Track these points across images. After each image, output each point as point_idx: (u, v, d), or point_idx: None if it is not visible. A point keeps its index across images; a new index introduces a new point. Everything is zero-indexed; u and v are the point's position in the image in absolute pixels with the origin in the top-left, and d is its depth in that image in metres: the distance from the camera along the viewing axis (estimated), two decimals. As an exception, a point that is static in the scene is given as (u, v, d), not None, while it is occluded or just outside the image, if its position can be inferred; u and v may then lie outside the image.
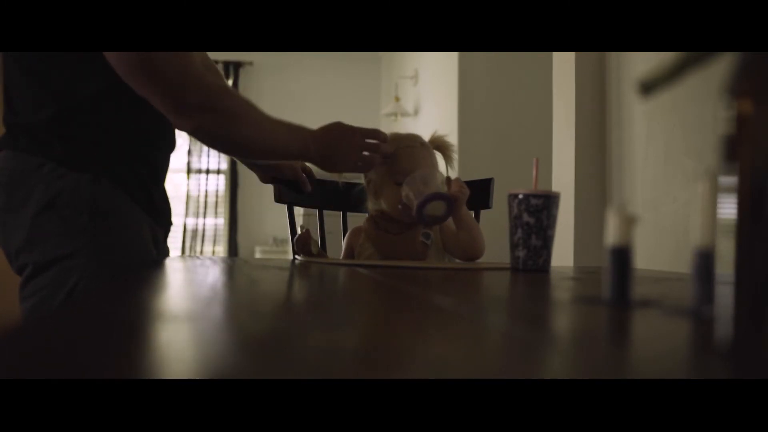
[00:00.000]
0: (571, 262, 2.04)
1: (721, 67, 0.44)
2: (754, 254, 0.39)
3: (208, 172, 5.67)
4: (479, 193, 1.53)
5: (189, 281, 0.78)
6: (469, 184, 1.42)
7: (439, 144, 1.40)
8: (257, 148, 1.17)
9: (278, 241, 5.66)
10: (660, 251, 1.72)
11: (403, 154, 1.31)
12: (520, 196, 0.99)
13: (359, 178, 1.43)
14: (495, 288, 0.84)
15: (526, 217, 0.98)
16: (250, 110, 1.13)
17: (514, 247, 1.00)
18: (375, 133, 1.25)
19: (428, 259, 1.31)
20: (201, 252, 5.65)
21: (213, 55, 1.42)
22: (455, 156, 1.42)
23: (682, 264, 0.99)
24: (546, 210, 0.98)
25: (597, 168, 2.06)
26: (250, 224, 5.69)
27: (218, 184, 5.71)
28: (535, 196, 0.98)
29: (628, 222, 0.55)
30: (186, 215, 5.60)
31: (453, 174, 1.37)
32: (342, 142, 1.21)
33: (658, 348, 0.41)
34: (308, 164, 1.42)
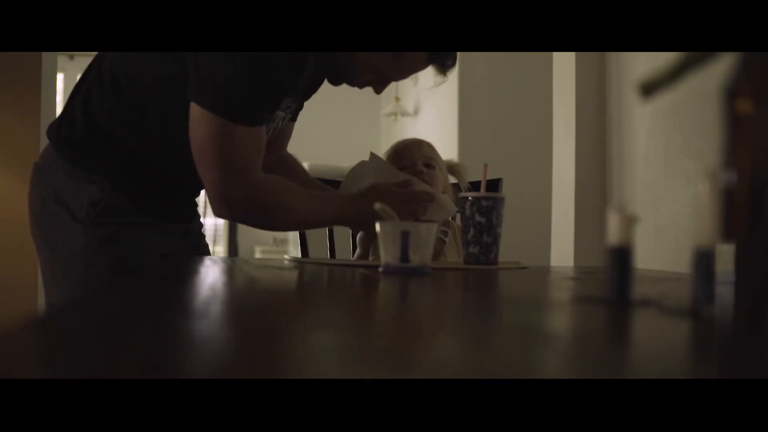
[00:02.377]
0: (571, 262, 2.04)
1: (721, 67, 0.44)
2: (754, 254, 0.39)
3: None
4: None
5: (189, 281, 0.78)
6: (474, 185, 1.43)
7: (449, 166, 1.46)
8: (293, 227, 1.33)
9: (278, 241, 5.66)
10: (660, 251, 1.72)
11: (400, 149, 1.41)
12: (471, 199, 1.07)
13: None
14: (496, 288, 0.84)
15: (478, 217, 1.06)
16: (286, 196, 1.16)
17: (467, 244, 1.08)
18: (406, 184, 1.20)
19: (443, 257, 1.31)
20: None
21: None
22: (465, 176, 1.46)
23: (682, 264, 0.99)
24: (495, 210, 1.06)
25: (597, 168, 2.06)
26: (250, 224, 5.67)
27: (218, 184, 5.70)
28: (486, 198, 1.06)
29: (628, 222, 0.55)
30: (186, 215, 5.60)
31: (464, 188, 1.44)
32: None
33: (658, 348, 0.41)
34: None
